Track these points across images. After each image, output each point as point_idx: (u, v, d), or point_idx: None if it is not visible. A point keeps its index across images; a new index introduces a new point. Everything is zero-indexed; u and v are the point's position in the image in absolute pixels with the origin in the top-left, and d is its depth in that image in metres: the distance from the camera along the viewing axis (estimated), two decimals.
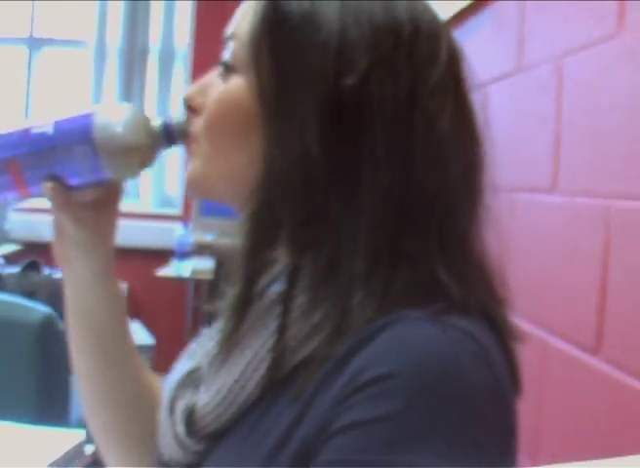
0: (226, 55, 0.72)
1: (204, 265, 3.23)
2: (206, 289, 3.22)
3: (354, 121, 0.65)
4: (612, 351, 1.19)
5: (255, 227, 0.68)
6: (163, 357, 3.24)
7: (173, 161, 4.02)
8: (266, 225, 0.68)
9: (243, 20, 0.73)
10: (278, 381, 0.67)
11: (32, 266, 3.02)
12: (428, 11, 0.70)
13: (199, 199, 0.75)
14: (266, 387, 0.67)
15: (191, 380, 0.74)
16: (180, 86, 4.06)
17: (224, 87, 0.71)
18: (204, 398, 0.70)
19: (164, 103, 4.09)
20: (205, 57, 4.00)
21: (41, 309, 2.25)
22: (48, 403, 2.15)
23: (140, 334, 3.21)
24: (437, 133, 0.66)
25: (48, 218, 0.81)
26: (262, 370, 0.67)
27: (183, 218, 3.82)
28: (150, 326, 3.31)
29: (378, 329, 0.61)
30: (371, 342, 0.61)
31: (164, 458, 0.73)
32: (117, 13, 4.01)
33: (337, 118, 0.65)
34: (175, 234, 3.64)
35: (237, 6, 0.81)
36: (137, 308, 3.68)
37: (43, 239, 3.86)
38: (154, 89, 4.08)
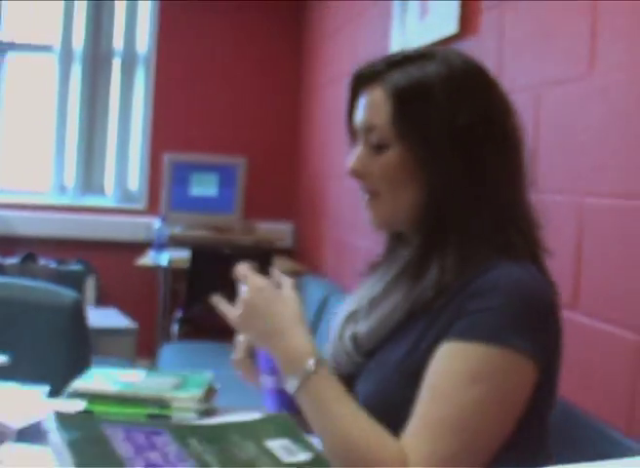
0: (373, 139, 1.14)
1: (179, 255, 3.56)
2: (182, 276, 3.54)
3: (475, 156, 1.11)
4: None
5: (431, 231, 1.13)
6: (143, 337, 3.57)
7: (133, 159, 4.31)
8: (437, 229, 1.12)
9: (375, 112, 1.14)
10: (415, 313, 1.10)
11: (30, 257, 3.32)
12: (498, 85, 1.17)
13: (387, 232, 1.14)
14: (406, 318, 1.11)
15: (352, 317, 1.18)
16: (142, 89, 4.33)
17: (385, 159, 1.14)
18: (363, 327, 1.14)
19: (126, 108, 4.34)
20: (167, 60, 4.27)
21: (71, 294, 2.55)
22: (74, 375, 2.46)
23: (121, 320, 3.52)
24: (512, 157, 1.15)
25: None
26: (406, 307, 1.10)
27: (148, 213, 4.15)
28: (129, 311, 3.61)
29: (485, 269, 1.08)
30: (481, 275, 1.07)
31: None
32: (82, 16, 4.21)
33: (466, 156, 1.11)
34: (145, 227, 3.99)
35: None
36: (114, 296, 3.99)
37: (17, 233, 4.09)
38: (117, 92, 4.32)
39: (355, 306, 1.18)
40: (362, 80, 1.18)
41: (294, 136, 4.39)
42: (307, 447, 0.86)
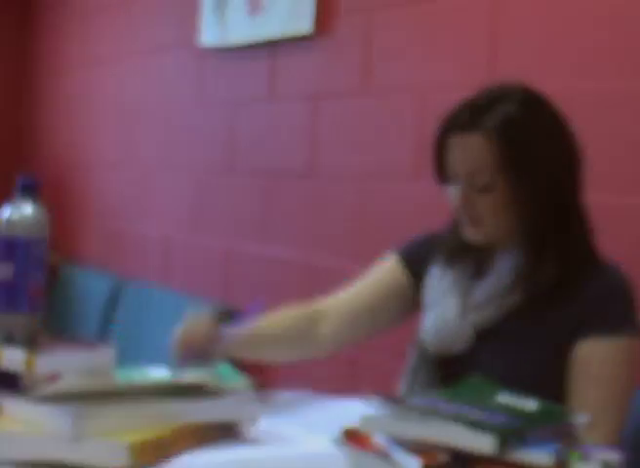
0: (478, 182, 1.31)
1: None
2: None
3: (564, 184, 1.35)
4: None
5: (533, 246, 1.36)
6: None
7: None
8: (538, 244, 1.36)
9: (478, 158, 1.31)
10: (528, 303, 1.33)
11: None
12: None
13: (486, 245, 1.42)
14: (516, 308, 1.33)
15: (467, 308, 1.37)
16: None
17: (492, 200, 1.33)
18: (483, 318, 1.36)
19: None
20: None
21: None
22: None
23: None
24: (580, 178, 1.38)
25: None
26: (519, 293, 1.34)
27: None
28: None
29: (589, 275, 1.34)
30: (593, 282, 1.34)
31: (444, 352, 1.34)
32: None
33: (558, 185, 1.35)
34: None
35: None
36: None
37: None
38: None
39: (461, 299, 1.38)
40: (452, 130, 1.33)
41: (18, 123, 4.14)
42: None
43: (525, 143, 1.31)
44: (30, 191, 1.17)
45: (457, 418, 0.91)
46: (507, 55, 2.01)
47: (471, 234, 1.36)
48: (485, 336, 1.35)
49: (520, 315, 1.34)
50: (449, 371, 1.34)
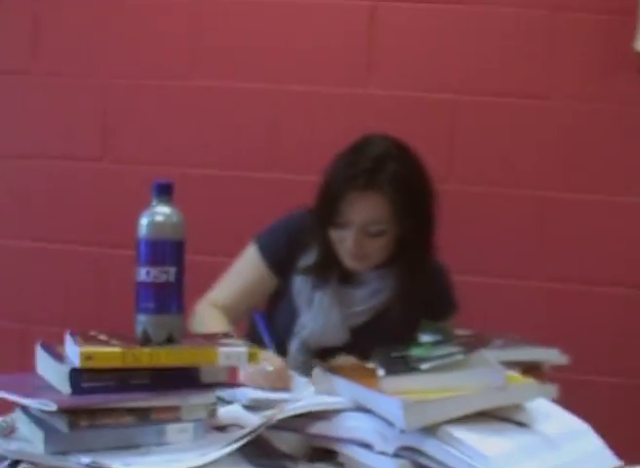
0: (373, 230, 1.65)
1: None
2: None
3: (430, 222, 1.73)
4: None
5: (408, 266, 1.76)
6: None
7: None
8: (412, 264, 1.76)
9: (376, 213, 1.65)
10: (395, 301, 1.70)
11: None
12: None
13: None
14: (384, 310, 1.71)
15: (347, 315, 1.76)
16: None
17: (384, 242, 1.68)
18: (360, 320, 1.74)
19: None
20: None
21: None
22: None
23: None
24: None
25: None
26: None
27: None
28: None
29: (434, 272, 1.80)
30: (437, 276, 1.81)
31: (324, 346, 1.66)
32: None
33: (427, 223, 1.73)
34: None
35: None
36: None
37: None
38: None
39: (340, 308, 1.74)
40: (350, 189, 1.63)
41: None
42: None
43: (411, 195, 1.68)
44: (167, 194, 1.20)
45: None
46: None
47: (354, 266, 1.71)
48: (358, 333, 1.75)
49: (383, 314, 1.75)
50: (326, 358, 1.63)
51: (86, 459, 1.03)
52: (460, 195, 2.47)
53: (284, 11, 2.52)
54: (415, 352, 1.19)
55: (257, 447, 1.14)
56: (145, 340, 1.16)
